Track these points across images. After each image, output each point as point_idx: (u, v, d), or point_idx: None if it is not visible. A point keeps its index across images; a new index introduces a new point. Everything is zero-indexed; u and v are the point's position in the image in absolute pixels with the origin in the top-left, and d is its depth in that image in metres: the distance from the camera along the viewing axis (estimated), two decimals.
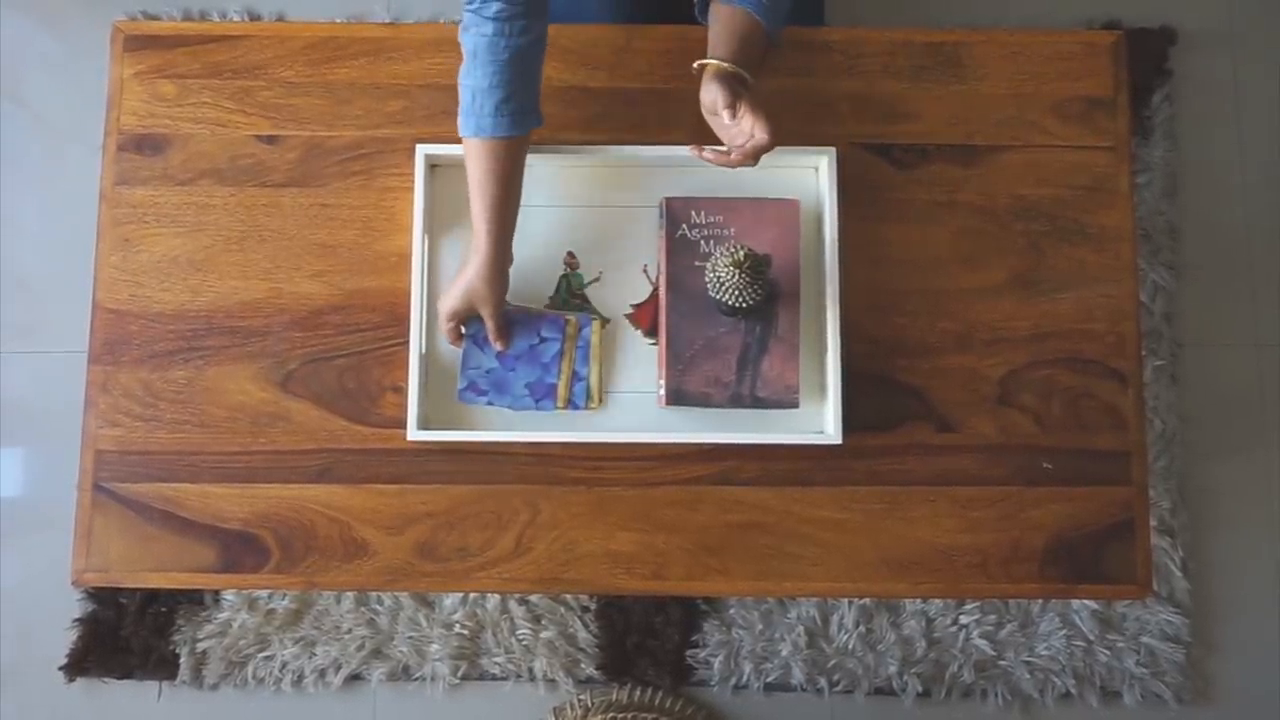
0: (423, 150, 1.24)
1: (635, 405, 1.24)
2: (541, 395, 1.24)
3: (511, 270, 1.21)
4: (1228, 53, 2.02)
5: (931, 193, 1.28)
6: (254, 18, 2.01)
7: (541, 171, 1.25)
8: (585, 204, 1.28)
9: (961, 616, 1.81)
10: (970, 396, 1.25)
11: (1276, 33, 2.03)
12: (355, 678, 1.81)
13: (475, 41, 1.13)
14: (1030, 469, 1.24)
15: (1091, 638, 1.81)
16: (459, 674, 1.80)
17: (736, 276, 1.13)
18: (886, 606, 1.81)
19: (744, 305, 1.15)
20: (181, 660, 1.80)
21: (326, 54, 1.30)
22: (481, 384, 1.24)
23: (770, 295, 1.20)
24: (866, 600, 1.81)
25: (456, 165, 1.26)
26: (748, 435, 1.22)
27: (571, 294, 1.26)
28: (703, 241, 1.24)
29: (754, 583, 1.23)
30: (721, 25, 1.17)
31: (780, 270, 1.23)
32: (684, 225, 1.24)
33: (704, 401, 1.21)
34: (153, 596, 1.81)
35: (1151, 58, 1.97)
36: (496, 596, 1.80)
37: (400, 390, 1.23)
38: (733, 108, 1.10)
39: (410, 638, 1.80)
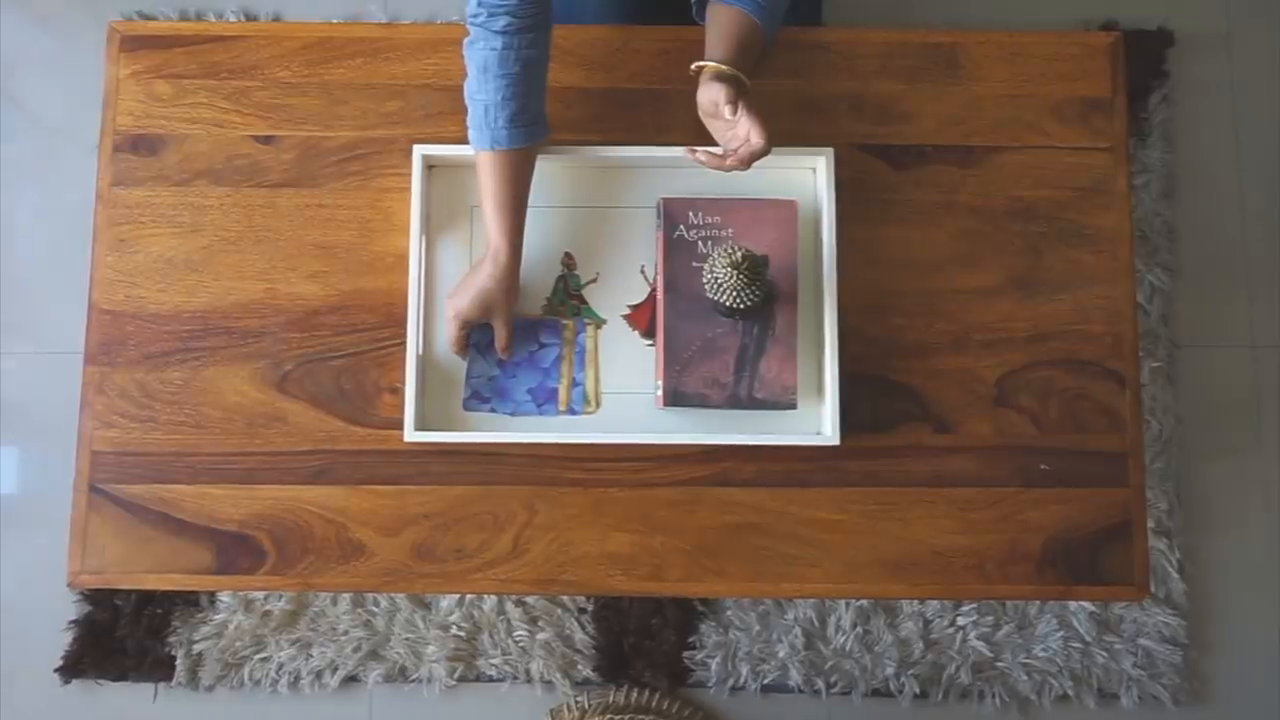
0: (419, 151, 1.23)
1: (632, 406, 1.24)
2: (544, 400, 1.24)
3: None
4: (1225, 54, 2.02)
5: (929, 194, 1.28)
6: (250, 18, 2.01)
7: (539, 172, 1.25)
8: (582, 205, 1.27)
9: (959, 618, 1.81)
10: (967, 397, 1.25)
11: (1273, 35, 2.03)
12: (352, 679, 1.81)
13: (485, 56, 1.13)
14: (1027, 470, 1.24)
15: (1089, 639, 1.81)
16: (456, 675, 1.79)
17: (734, 277, 1.13)
18: (884, 608, 1.81)
19: (741, 306, 1.15)
20: (177, 662, 1.80)
21: (323, 54, 1.30)
22: (485, 392, 1.24)
23: (768, 296, 1.20)
24: (864, 601, 1.81)
25: (454, 166, 1.26)
26: (745, 436, 1.22)
27: (569, 295, 1.26)
28: (700, 242, 1.24)
29: (751, 584, 1.23)
30: (719, 26, 1.17)
31: (778, 271, 1.23)
32: (681, 226, 1.24)
33: (701, 402, 1.21)
34: (148, 598, 1.80)
35: (1149, 59, 1.97)
36: (493, 598, 1.80)
37: (397, 391, 1.23)
38: (734, 104, 1.10)
39: (407, 639, 1.80)
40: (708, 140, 1.19)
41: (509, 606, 1.80)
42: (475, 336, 1.24)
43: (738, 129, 1.12)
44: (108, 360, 1.24)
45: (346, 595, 1.80)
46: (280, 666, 1.80)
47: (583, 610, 1.81)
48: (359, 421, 1.24)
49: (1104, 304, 1.26)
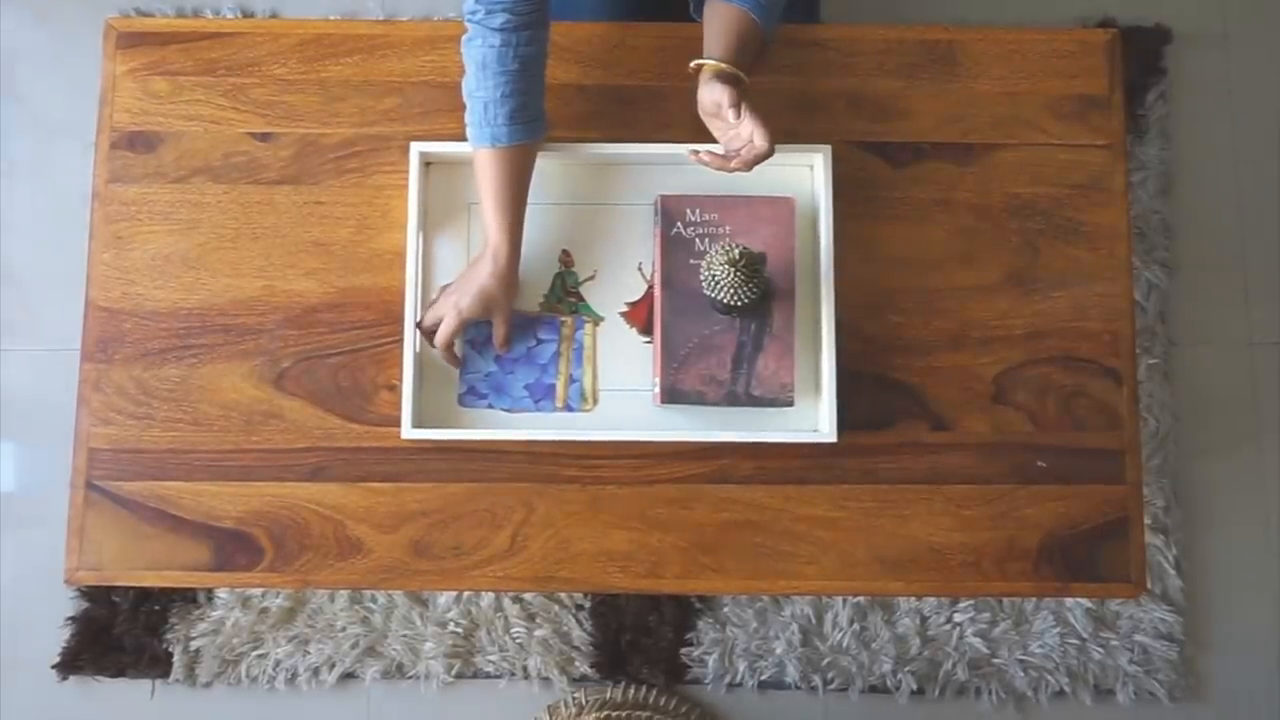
0: (417, 148, 1.23)
1: (630, 403, 1.24)
2: (540, 396, 1.24)
3: None
4: (1222, 51, 2.02)
5: (926, 191, 1.28)
6: (247, 15, 2.01)
7: (537, 169, 1.25)
8: (580, 202, 1.27)
9: (956, 614, 1.81)
10: (965, 395, 1.25)
11: (1270, 31, 2.03)
12: (349, 676, 1.81)
13: (483, 53, 1.13)
14: (1025, 467, 1.24)
15: (1085, 636, 1.81)
16: (453, 672, 1.80)
17: (731, 274, 1.13)
18: (881, 604, 1.81)
19: (739, 303, 1.15)
20: (175, 659, 1.80)
21: (320, 51, 1.30)
22: (481, 387, 1.24)
23: (765, 293, 1.20)
24: (861, 598, 1.81)
25: (451, 163, 1.26)
26: (742, 433, 1.22)
27: (566, 292, 1.26)
28: (698, 239, 1.24)
29: (748, 581, 1.23)
30: (717, 24, 1.17)
31: (775, 268, 1.23)
32: (679, 223, 1.24)
33: (699, 400, 1.21)
34: (146, 595, 1.80)
35: (1146, 56, 1.97)
36: (491, 595, 1.80)
37: (395, 388, 1.23)
38: (738, 108, 1.10)
39: (404, 636, 1.80)
40: (705, 137, 1.19)
41: (506, 603, 1.80)
42: (471, 333, 1.24)
43: (740, 130, 1.12)
44: (105, 358, 1.24)
45: (344, 592, 1.80)
46: (278, 663, 1.80)
47: (580, 607, 1.81)
48: (356, 419, 1.24)
49: (1101, 301, 1.26)
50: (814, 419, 1.24)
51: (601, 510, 1.23)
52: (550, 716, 1.76)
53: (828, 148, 1.24)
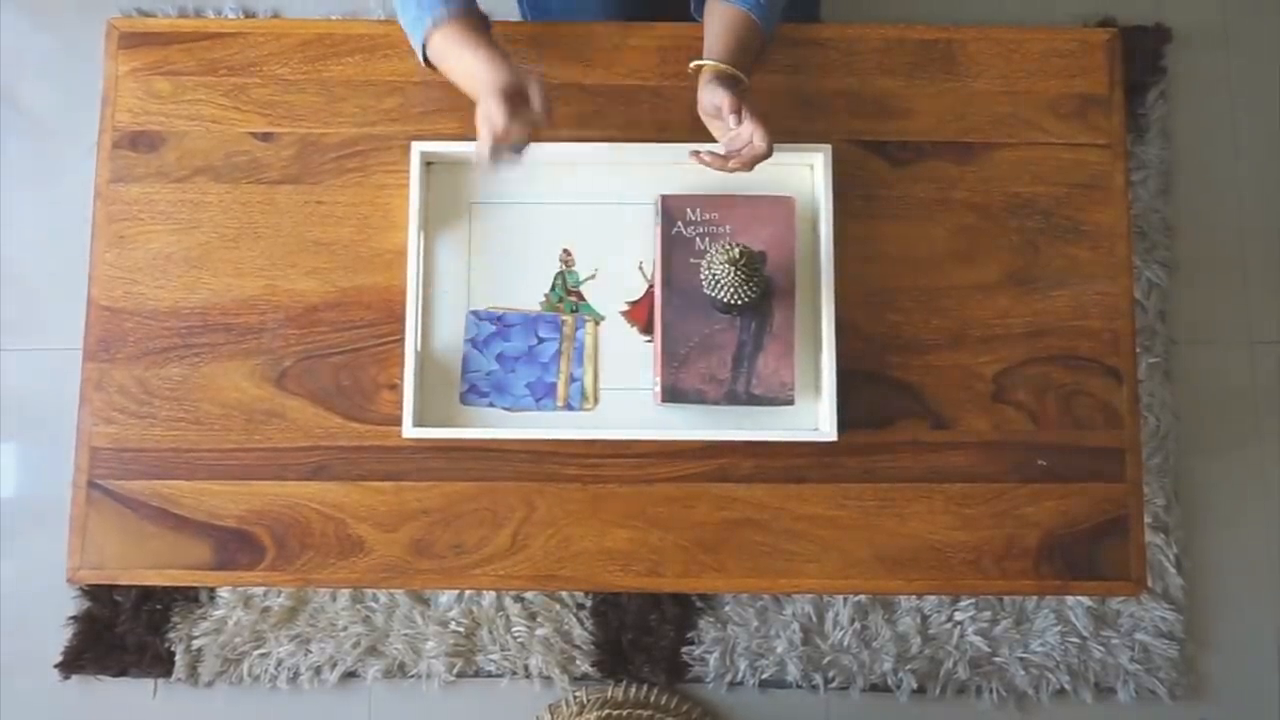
0: (418, 147, 1.23)
1: (630, 402, 1.24)
2: (542, 394, 1.24)
3: (507, 268, 1.22)
4: (1222, 50, 2.02)
5: (926, 190, 1.28)
6: (249, 15, 2.01)
7: (536, 169, 1.25)
8: (581, 201, 1.28)
9: (956, 613, 1.81)
10: (965, 393, 1.25)
11: (1270, 30, 2.03)
12: (351, 675, 1.81)
13: None
14: (1025, 466, 1.24)
15: (1086, 634, 1.81)
16: (454, 671, 1.80)
17: (732, 273, 1.13)
18: (881, 603, 1.82)
19: (739, 302, 1.15)
20: (177, 658, 1.80)
21: (321, 51, 1.30)
22: (482, 386, 1.24)
23: (765, 292, 1.20)
24: (861, 597, 1.81)
25: (452, 163, 1.26)
26: (743, 432, 1.22)
27: (567, 291, 1.26)
28: (698, 238, 1.24)
29: (749, 580, 1.23)
30: (718, 24, 1.17)
31: (775, 267, 1.23)
32: (679, 222, 1.24)
33: (699, 398, 1.21)
34: (148, 594, 1.81)
35: (1146, 55, 1.97)
36: (492, 594, 1.80)
37: (396, 388, 1.23)
38: (739, 112, 1.10)
39: (406, 635, 1.80)
40: (705, 137, 1.19)
41: (508, 602, 1.80)
42: (471, 333, 1.24)
43: (740, 131, 1.12)
44: (107, 357, 1.25)
45: (345, 591, 1.80)
46: (279, 662, 1.80)
47: (581, 606, 1.81)
48: (357, 418, 1.24)
49: (1101, 300, 1.27)
50: (814, 418, 1.24)
51: (602, 509, 1.23)
52: (551, 715, 1.76)
53: (828, 147, 1.24)
